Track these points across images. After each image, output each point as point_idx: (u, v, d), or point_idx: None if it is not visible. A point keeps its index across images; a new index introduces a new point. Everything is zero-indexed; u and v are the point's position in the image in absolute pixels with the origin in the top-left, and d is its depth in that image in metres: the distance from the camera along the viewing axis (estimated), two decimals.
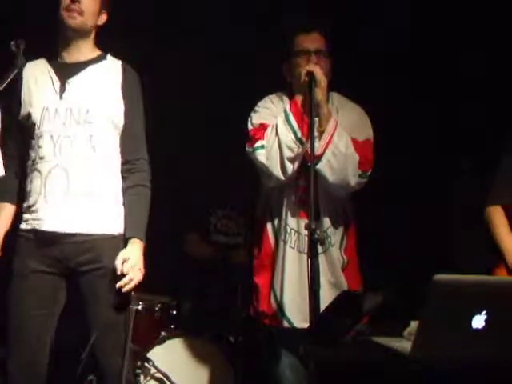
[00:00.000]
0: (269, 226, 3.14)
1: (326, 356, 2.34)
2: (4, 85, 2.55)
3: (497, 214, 3.24)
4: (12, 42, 2.62)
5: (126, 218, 2.88)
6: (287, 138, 2.92)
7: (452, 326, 2.12)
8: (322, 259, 2.84)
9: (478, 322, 2.11)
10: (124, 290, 2.70)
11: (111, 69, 2.92)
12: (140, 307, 3.68)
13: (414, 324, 2.30)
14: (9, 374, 2.78)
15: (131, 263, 2.72)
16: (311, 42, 3.04)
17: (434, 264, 3.32)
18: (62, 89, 2.83)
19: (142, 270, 2.78)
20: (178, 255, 4.29)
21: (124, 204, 2.89)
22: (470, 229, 3.75)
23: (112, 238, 2.82)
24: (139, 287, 2.88)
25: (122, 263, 2.72)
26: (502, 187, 3.25)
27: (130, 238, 2.82)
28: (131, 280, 2.72)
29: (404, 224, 3.95)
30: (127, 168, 2.88)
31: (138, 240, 2.81)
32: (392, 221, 3.78)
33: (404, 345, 2.23)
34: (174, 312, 3.92)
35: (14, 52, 2.63)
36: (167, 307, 3.89)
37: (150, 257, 2.94)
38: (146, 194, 2.89)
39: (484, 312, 2.10)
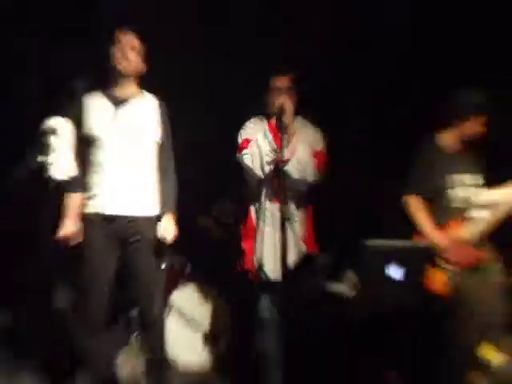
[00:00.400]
0: (252, 209, 3.40)
1: (290, 299, 2.73)
2: (70, 112, 2.84)
3: (413, 201, 3.33)
4: (75, 82, 2.95)
5: (164, 200, 3.17)
6: (266, 148, 3.19)
7: (379, 277, 2.44)
8: (288, 231, 3.07)
9: (398, 274, 2.43)
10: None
11: (150, 102, 3.21)
12: (165, 265, 3.80)
13: (349, 274, 2.65)
14: (87, 311, 3.06)
15: (171, 231, 3.11)
16: (283, 82, 3.28)
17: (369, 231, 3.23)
18: (115, 117, 3.11)
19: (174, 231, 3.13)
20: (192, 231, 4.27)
21: (161, 192, 3.18)
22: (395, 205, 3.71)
23: (150, 218, 3.13)
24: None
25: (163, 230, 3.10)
26: (415, 181, 3.35)
27: (166, 213, 3.15)
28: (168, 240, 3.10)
29: (349, 201, 4.00)
30: (163, 170, 3.19)
31: (172, 213, 3.16)
32: (340, 199, 3.82)
33: (342, 288, 2.62)
34: (188, 268, 4.20)
35: (77, 88, 2.97)
36: (184, 264, 4.18)
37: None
38: (176, 186, 3.21)
39: (402, 267, 2.44)
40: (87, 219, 3.12)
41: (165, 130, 3.21)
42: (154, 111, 3.20)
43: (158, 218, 3.15)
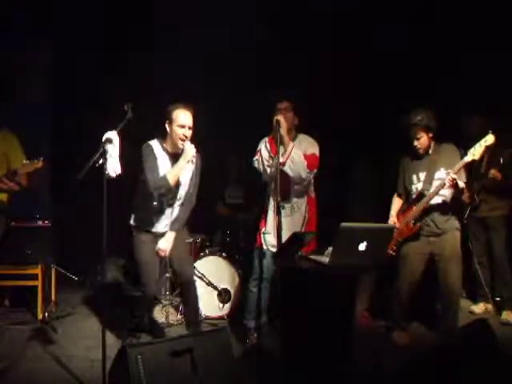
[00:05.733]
0: (266, 200, 3.48)
1: (284, 264, 2.77)
2: (119, 128, 2.83)
3: (394, 198, 3.67)
4: (125, 105, 2.91)
5: (173, 221, 3.15)
6: (266, 155, 3.37)
7: (349, 249, 2.49)
8: (289, 219, 3.31)
9: (362, 246, 2.50)
10: None
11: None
12: (191, 240, 4.01)
13: (329, 249, 2.60)
14: (147, 291, 3.14)
15: (167, 246, 3.13)
16: (282, 104, 3.36)
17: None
18: (172, 167, 3.09)
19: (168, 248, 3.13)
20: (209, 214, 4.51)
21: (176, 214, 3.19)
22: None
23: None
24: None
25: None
26: (397, 185, 3.64)
27: (170, 230, 3.15)
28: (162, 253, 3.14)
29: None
30: (186, 199, 3.19)
31: (174, 232, 3.13)
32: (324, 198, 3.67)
33: (324, 259, 2.62)
34: (208, 243, 4.34)
35: (126, 110, 2.91)
36: (204, 240, 4.32)
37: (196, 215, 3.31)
38: (189, 212, 3.19)
39: (365, 241, 2.50)
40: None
41: (196, 173, 3.20)
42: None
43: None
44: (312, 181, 3.45)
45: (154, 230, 3.15)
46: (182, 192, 3.17)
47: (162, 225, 3.16)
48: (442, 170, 3.37)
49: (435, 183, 3.37)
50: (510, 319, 3.85)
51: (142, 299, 3.21)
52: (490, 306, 4.08)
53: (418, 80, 4.37)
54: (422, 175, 3.46)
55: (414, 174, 3.50)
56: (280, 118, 3.18)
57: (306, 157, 3.28)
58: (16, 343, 3.36)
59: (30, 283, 3.85)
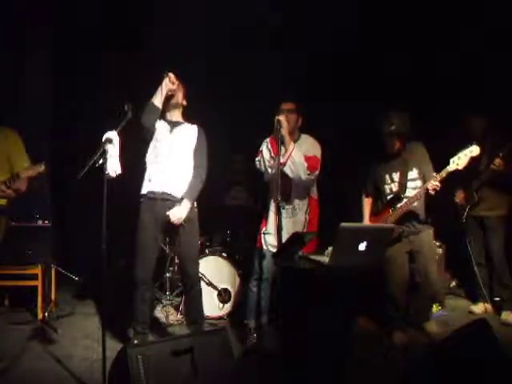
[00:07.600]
0: (267, 200, 3.48)
1: (284, 264, 2.77)
2: (119, 128, 2.85)
3: (364, 200, 3.71)
4: (125, 105, 2.92)
5: (187, 190, 3.20)
6: (267, 156, 3.37)
7: (349, 249, 2.49)
8: (290, 221, 3.30)
9: (362, 246, 2.50)
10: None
11: (192, 128, 3.32)
12: None
13: (329, 248, 2.62)
14: (136, 274, 3.14)
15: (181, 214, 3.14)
16: (286, 105, 3.35)
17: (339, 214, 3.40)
18: (171, 131, 3.25)
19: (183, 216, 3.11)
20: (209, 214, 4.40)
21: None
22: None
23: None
24: None
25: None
26: (365, 184, 3.68)
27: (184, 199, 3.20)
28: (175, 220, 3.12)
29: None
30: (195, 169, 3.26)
31: (188, 201, 3.17)
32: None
33: (324, 258, 2.63)
34: (208, 243, 4.33)
35: (125, 110, 2.91)
36: (204, 240, 4.28)
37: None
38: (200, 181, 3.22)
39: (365, 241, 2.50)
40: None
41: (200, 145, 3.29)
42: (194, 134, 3.30)
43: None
44: (315, 182, 3.42)
45: (157, 189, 3.14)
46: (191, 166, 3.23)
47: (162, 182, 3.15)
48: (415, 169, 3.41)
49: (410, 184, 3.41)
50: (509, 319, 3.85)
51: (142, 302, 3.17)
52: (489, 306, 4.08)
53: (418, 80, 4.36)
54: (396, 176, 3.48)
55: (386, 173, 3.52)
56: (281, 117, 3.17)
57: (306, 158, 3.26)
58: (16, 343, 3.35)
59: (30, 283, 3.86)
